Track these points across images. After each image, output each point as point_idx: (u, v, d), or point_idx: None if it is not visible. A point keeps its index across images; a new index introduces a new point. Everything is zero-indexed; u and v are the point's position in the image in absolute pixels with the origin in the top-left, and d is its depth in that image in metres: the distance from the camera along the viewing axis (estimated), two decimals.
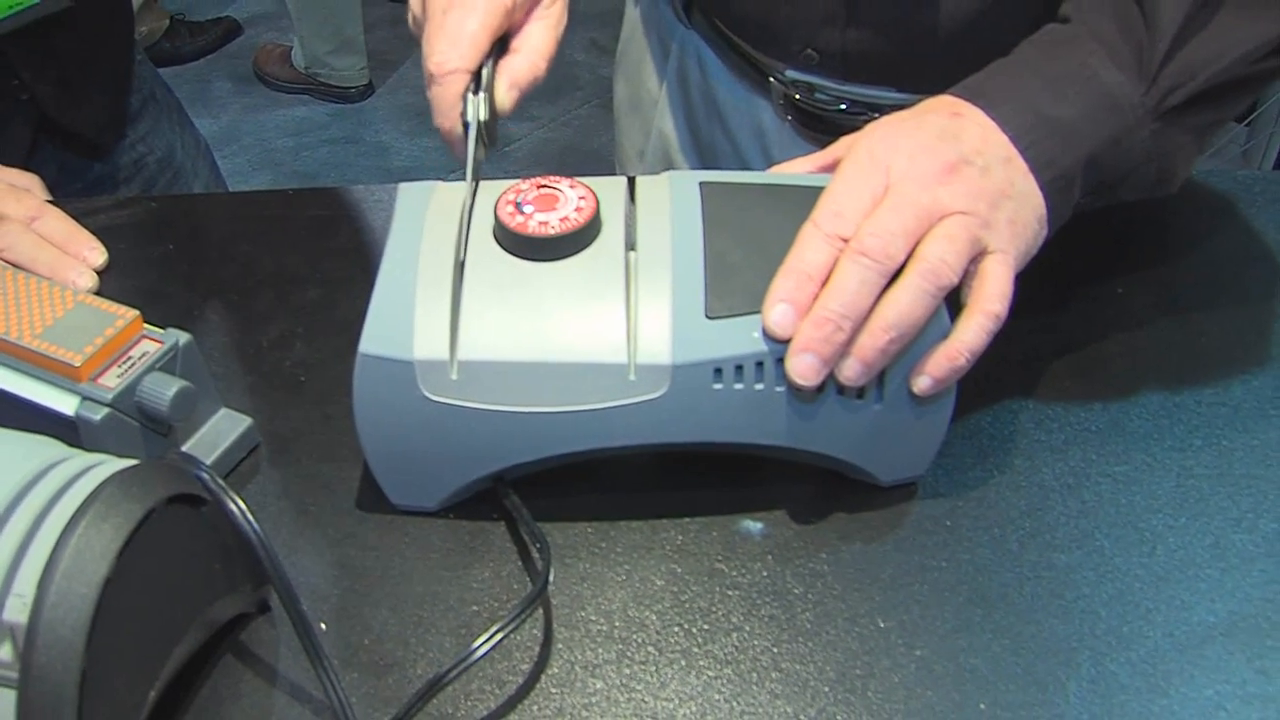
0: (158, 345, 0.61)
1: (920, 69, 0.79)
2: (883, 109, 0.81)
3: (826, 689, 0.54)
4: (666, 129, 0.98)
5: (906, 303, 0.55)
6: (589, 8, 3.23)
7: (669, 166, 1.00)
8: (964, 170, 0.57)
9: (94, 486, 0.49)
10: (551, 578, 0.57)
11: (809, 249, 0.56)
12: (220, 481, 0.52)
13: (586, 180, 0.63)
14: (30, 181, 0.80)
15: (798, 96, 0.85)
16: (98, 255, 0.77)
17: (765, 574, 0.59)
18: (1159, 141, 0.62)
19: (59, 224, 0.77)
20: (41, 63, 0.89)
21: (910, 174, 0.57)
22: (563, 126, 2.94)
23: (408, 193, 0.64)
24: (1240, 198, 0.82)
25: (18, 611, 0.46)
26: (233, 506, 0.52)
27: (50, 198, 0.80)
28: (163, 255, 0.80)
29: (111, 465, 0.51)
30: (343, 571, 0.60)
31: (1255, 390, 0.68)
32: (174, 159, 1.03)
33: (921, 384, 0.57)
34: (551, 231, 0.59)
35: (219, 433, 0.65)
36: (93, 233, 0.78)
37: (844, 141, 0.63)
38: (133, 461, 0.52)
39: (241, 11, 3.36)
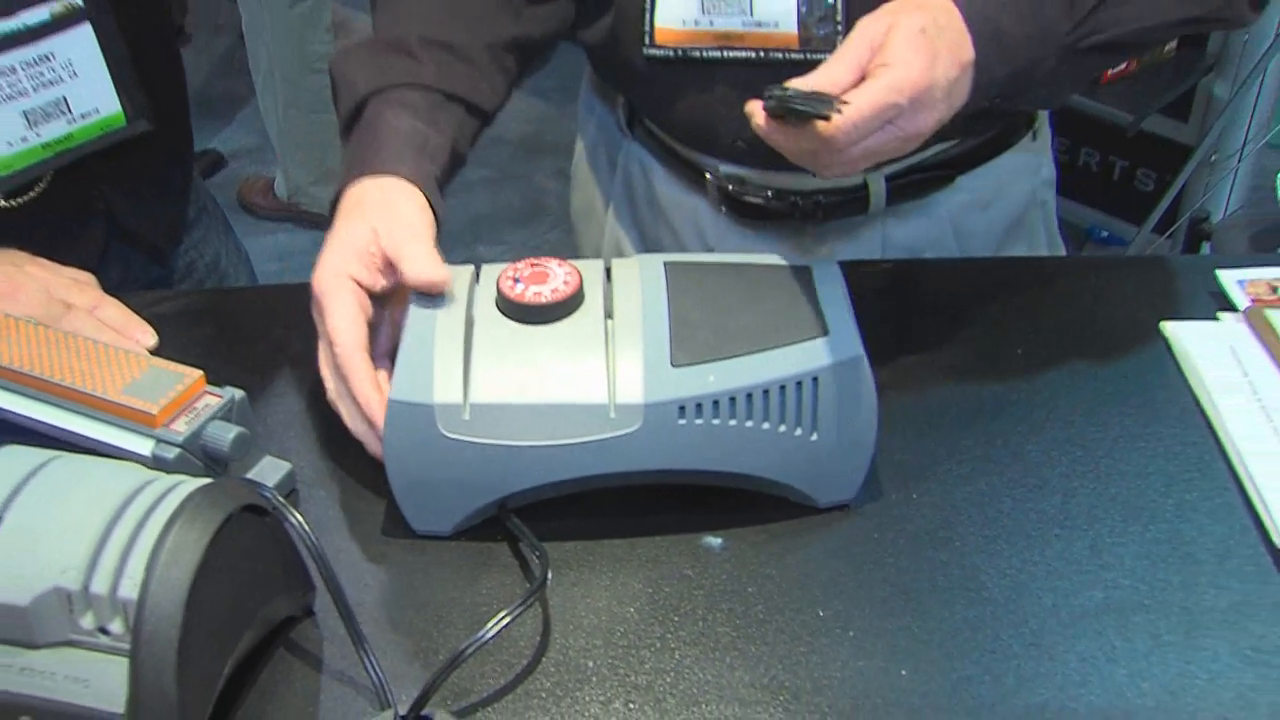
0: (218, 399, 0.74)
1: None
2: (801, 193, 0.97)
3: (777, 663, 0.66)
4: (617, 232, 1.13)
5: None
6: (556, 139, 3.42)
7: None
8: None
9: (184, 497, 0.61)
10: (549, 578, 0.69)
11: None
12: (280, 499, 0.65)
13: (572, 261, 0.77)
14: (88, 278, 0.93)
15: (730, 188, 0.99)
16: (149, 338, 0.89)
17: (724, 578, 0.71)
18: (1060, 70, 0.81)
19: (116, 312, 0.90)
20: (119, 176, 1.02)
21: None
22: (533, 250, 3.10)
23: None
24: (1122, 276, 0.97)
25: (129, 589, 0.58)
26: (292, 518, 0.64)
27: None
28: (206, 337, 0.93)
29: (193, 483, 0.63)
30: (374, 583, 0.72)
31: (1129, 428, 0.81)
32: (220, 264, 1.17)
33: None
34: (544, 300, 0.73)
35: (263, 475, 0.77)
36: (145, 320, 0.90)
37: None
38: (209, 480, 0.64)
39: (225, 145, 3.54)
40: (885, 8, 0.74)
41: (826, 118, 0.68)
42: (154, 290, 1.03)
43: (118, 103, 0.97)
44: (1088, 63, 0.83)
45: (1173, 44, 2.33)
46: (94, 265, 0.95)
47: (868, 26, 0.73)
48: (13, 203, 0.96)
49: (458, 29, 0.90)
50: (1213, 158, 2.34)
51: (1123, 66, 2.28)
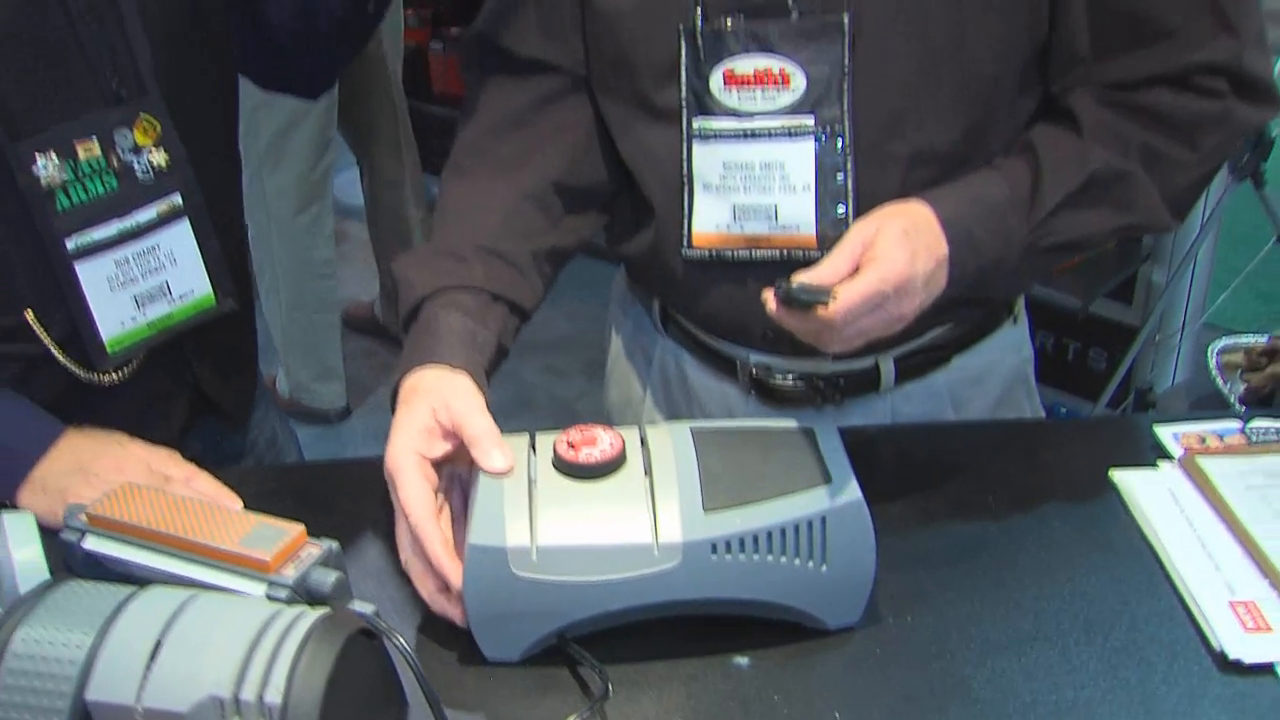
0: (318, 549, 0.87)
1: None
2: (822, 377, 1.13)
3: None
4: (656, 420, 1.27)
5: None
6: (543, 336, 3.60)
7: None
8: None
9: (312, 620, 0.74)
10: (610, 690, 0.82)
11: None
12: (385, 624, 0.77)
13: (616, 429, 0.91)
14: (177, 456, 1.07)
15: (759, 375, 1.15)
16: (237, 505, 1.03)
17: (753, 691, 0.84)
18: (1021, 266, 1.00)
19: (208, 483, 1.04)
20: (205, 350, 1.17)
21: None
22: None
23: None
24: (1080, 434, 1.13)
25: (274, 695, 0.70)
26: (398, 641, 0.77)
27: None
28: (282, 506, 1.06)
29: (315, 611, 0.76)
30: (457, 701, 0.83)
31: (1088, 558, 0.96)
32: (276, 441, 1.31)
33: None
34: (594, 460, 0.88)
35: None
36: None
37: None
38: (328, 609, 0.77)
39: None
40: (876, 213, 0.92)
41: (825, 304, 0.84)
42: (227, 466, 1.16)
43: (209, 286, 1.13)
44: (1044, 260, 1.01)
45: None
46: (178, 437, 1.09)
47: (861, 228, 0.90)
48: (114, 377, 1.10)
49: (506, 238, 1.06)
50: (1156, 337, 2.55)
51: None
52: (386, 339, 3.53)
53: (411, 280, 1.05)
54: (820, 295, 0.84)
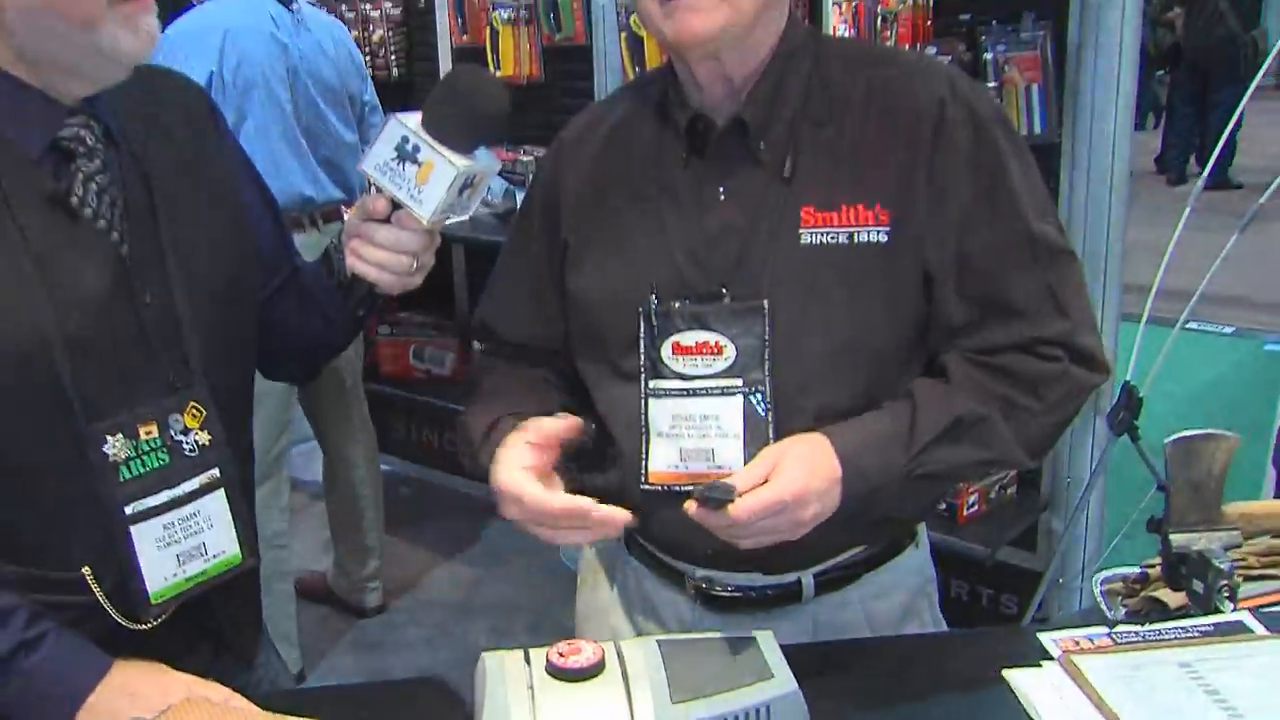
0: None
1: (779, 559, 1.32)
2: (754, 588, 1.36)
3: None
4: (620, 626, 1.49)
5: None
6: (488, 600, 3.73)
7: None
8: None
9: None
10: None
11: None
12: None
13: (595, 641, 1.12)
14: (210, 682, 1.24)
15: (704, 586, 1.38)
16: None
17: None
18: (902, 490, 1.25)
19: (244, 704, 1.21)
20: (227, 600, 1.35)
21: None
22: None
23: (488, 658, 1.12)
24: (979, 641, 1.35)
25: None
26: None
27: None
28: None
29: None
30: None
31: None
32: (278, 680, 1.48)
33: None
34: (580, 665, 1.08)
35: None
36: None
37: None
38: None
39: None
40: (786, 439, 1.18)
41: (732, 502, 1.11)
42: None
43: (238, 546, 1.33)
44: (919, 486, 1.27)
45: (1013, 486, 2.84)
46: (202, 673, 1.26)
47: (771, 449, 1.20)
48: (147, 625, 1.27)
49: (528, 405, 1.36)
50: (1060, 579, 2.79)
51: (976, 508, 2.76)
52: (340, 606, 3.65)
53: (473, 431, 1.37)
54: (728, 495, 1.09)
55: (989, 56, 2.55)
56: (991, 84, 2.55)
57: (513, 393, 1.42)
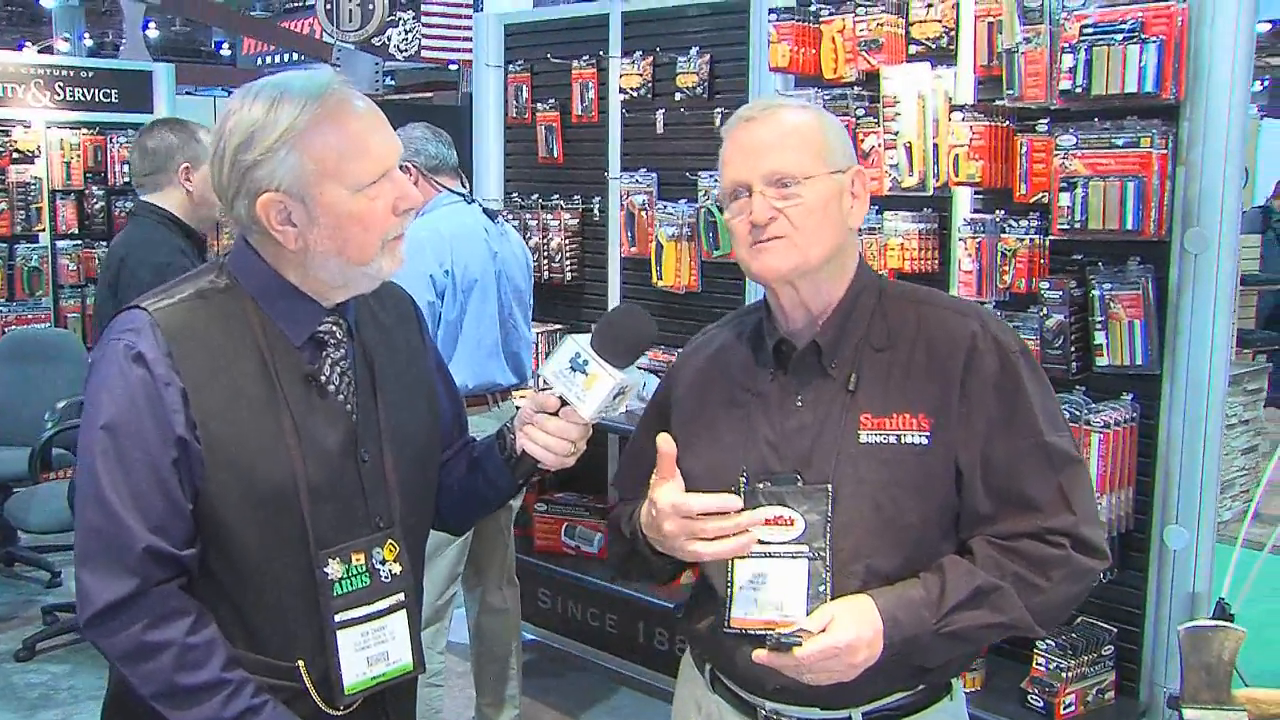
0: None
1: (835, 696, 1.60)
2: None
3: None
4: None
5: None
6: None
7: None
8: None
9: None
10: None
11: None
12: None
13: None
14: None
15: (774, 718, 1.66)
16: None
17: None
18: (934, 643, 1.52)
19: None
20: (397, 699, 1.69)
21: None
22: None
23: None
24: None
25: None
26: None
27: None
28: None
29: None
30: None
31: None
32: None
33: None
34: None
35: None
36: None
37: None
38: None
39: None
40: (839, 600, 1.51)
41: (800, 645, 1.42)
42: None
43: (411, 657, 1.68)
44: (948, 643, 1.56)
45: (1112, 691, 2.96)
46: None
47: (828, 606, 1.52)
48: (340, 712, 1.60)
49: None
50: None
51: (1073, 709, 2.90)
52: None
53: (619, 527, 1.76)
54: (796, 641, 1.40)
55: (1096, 293, 2.78)
56: (1098, 318, 2.78)
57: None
